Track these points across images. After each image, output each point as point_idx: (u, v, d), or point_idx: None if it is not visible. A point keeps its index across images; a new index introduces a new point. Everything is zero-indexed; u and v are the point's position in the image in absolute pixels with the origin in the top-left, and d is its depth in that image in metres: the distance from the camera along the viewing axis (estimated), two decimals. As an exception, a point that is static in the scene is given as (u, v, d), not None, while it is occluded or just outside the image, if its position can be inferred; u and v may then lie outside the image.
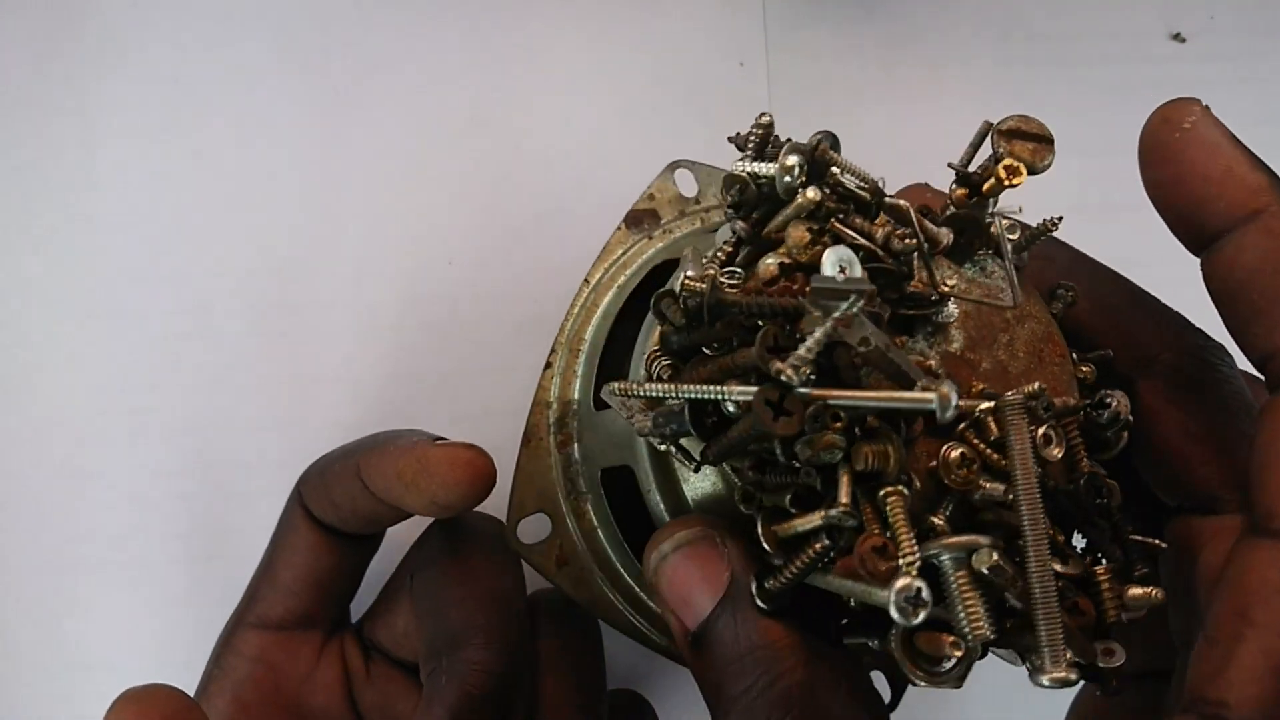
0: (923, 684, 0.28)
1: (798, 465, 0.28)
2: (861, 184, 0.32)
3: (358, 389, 0.56)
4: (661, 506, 0.38)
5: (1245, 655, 0.27)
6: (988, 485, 0.29)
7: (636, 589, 0.42)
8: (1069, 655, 0.27)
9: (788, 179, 0.31)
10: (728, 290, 0.30)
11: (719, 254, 0.32)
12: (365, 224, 0.57)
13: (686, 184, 0.47)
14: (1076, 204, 0.59)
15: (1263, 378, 0.29)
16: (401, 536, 0.46)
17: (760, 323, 0.29)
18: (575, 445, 0.42)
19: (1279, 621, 0.27)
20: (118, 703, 0.34)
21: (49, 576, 0.53)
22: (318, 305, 0.56)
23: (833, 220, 0.30)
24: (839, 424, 0.27)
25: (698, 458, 0.31)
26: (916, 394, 0.27)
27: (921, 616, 0.26)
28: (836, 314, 0.26)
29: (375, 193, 0.58)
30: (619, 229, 0.45)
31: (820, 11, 0.63)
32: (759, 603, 0.31)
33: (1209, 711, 0.27)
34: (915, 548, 0.27)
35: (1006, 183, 0.33)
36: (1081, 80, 0.63)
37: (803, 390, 0.27)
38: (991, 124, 0.34)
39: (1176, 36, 0.64)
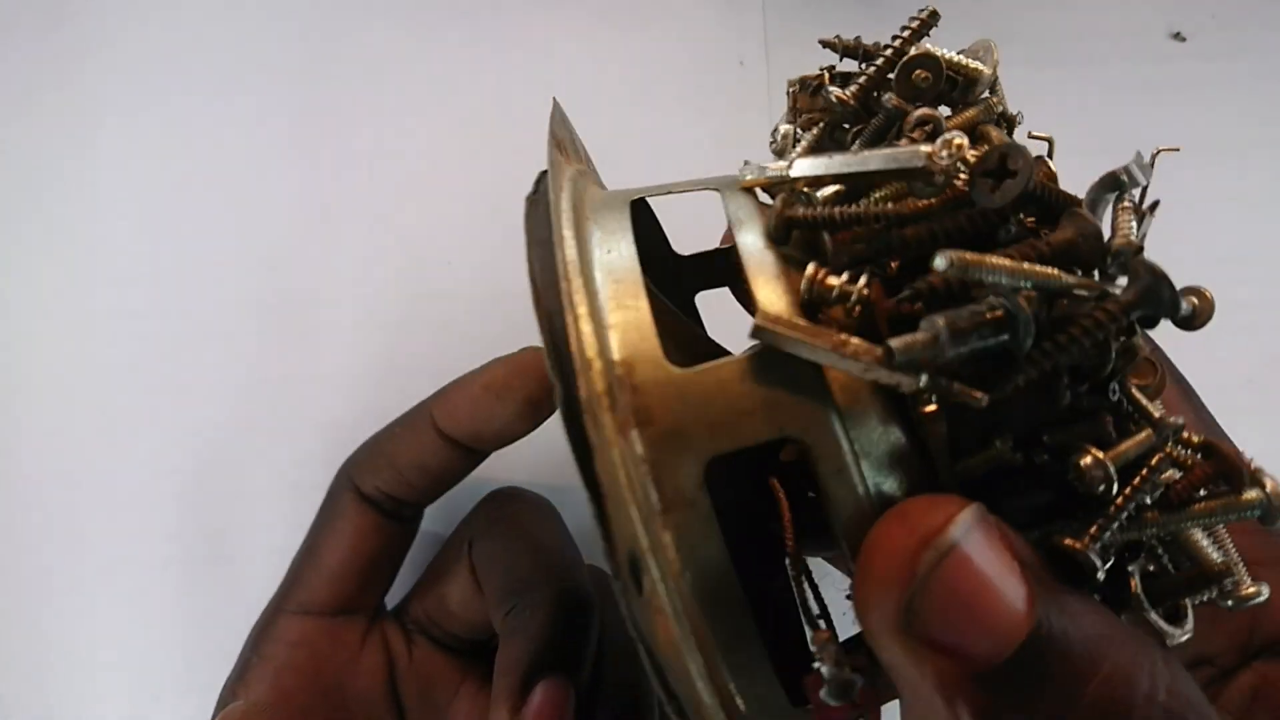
0: (1171, 639, 0.25)
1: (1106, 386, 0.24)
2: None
3: (357, 389, 0.55)
4: (866, 489, 0.24)
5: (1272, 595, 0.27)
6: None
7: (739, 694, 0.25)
8: None
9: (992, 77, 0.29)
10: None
11: (945, 145, 0.25)
12: (365, 224, 0.57)
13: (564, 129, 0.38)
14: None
15: None
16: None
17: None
18: (640, 431, 0.24)
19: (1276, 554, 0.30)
20: None
21: (47, 577, 0.53)
22: (317, 305, 0.56)
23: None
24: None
25: (1014, 379, 0.22)
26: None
27: None
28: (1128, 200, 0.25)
29: (375, 193, 0.57)
30: (552, 148, 0.33)
31: (820, 10, 0.63)
32: (1095, 566, 0.23)
33: (1275, 651, 0.29)
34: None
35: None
36: (1081, 80, 0.63)
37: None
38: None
39: (1177, 36, 0.64)
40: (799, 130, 0.32)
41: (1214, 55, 0.63)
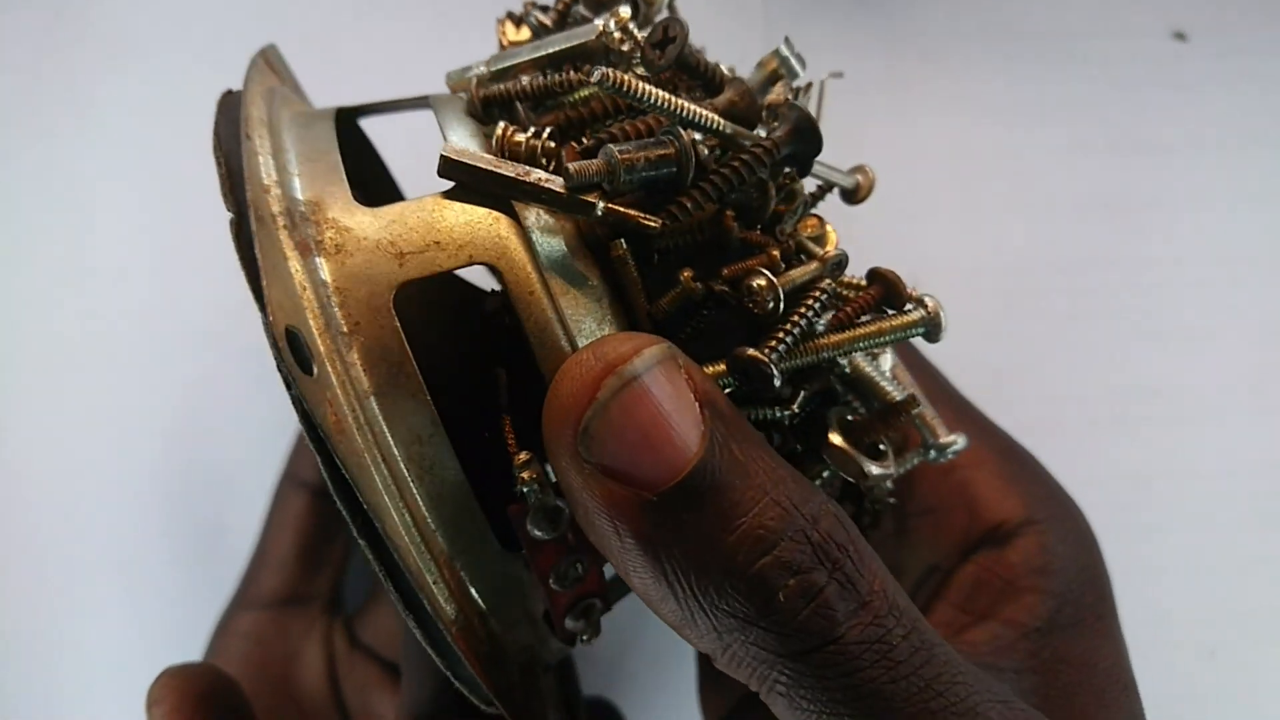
0: (874, 481, 0.27)
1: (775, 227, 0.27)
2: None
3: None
4: (548, 319, 0.25)
5: (980, 488, 0.34)
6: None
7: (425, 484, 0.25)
8: None
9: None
10: None
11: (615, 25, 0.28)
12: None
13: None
14: (1079, 203, 0.59)
15: None
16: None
17: None
18: (328, 258, 0.25)
19: (977, 453, 0.35)
20: (160, 678, 0.34)
21: (44, 576, 0.53)
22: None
23: None
24: None
25: (682, 209, 0.25)
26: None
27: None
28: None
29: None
30: (255, 65, 0.32)
31: (820, 10, 0.63)
32: (774, 375, 0.24)
33: (992, 539, 0.33)
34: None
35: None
36: (1082, 79, 0.63)
37: None
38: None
39: (1178, 35, 0.63)
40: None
41: (1215, 54, 0.63)
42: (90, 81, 0.57)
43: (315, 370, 0.24)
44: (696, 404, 0.22)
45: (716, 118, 0.25)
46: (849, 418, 0.28)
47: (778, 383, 0.24)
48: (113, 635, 0.52)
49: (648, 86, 0.24)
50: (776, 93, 0.27)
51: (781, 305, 0.25)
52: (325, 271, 0.25)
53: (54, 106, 0.57)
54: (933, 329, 0.26)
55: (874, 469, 0.27)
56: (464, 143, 0.27)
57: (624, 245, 0.25)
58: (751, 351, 0.24)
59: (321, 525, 0.45)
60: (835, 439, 0.27)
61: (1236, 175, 0.59)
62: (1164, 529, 0.54)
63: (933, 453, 0.30)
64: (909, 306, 0.27)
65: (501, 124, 0.26)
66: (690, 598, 0.22)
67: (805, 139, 0.25)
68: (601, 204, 0.24)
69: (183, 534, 0.54)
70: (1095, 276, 0.57)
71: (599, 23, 0.26)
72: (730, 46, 0.64)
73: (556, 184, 0.24)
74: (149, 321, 0.55)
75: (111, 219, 0.56)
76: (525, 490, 0.25)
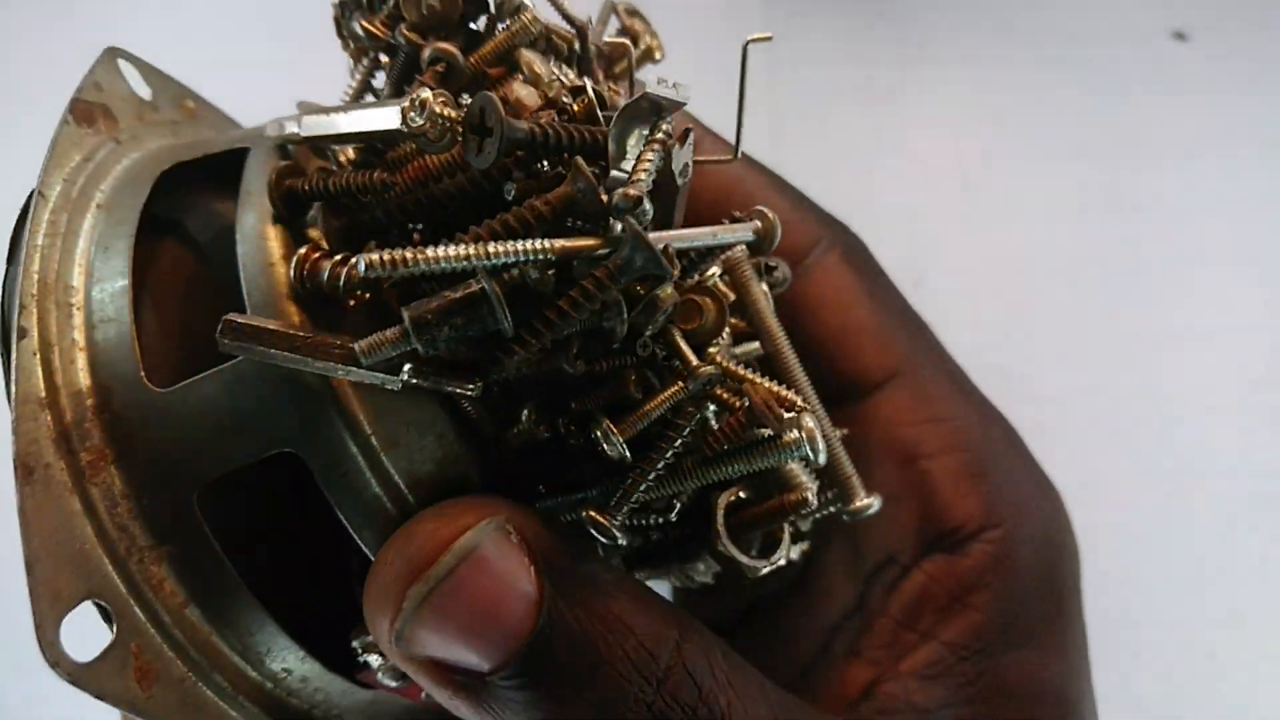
0: (758, 572, 0.25)
1: (634, 344, 0.22)
2: (567, 22, 0.27)
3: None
4: (360, 504, 0.23)
5: (937, 483, 0.32)
6: (739, 349, 0.27)
7: (280, 682, 0.25)
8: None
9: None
10: (521, 121, 0.21)
11: (428, 86, 0.23)
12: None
13: (137, 85, 0.33)
14: (1080, 202, 0.59)
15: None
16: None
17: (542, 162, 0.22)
18: (117, 466, 0.23)
19: (940, 443, 0.32)
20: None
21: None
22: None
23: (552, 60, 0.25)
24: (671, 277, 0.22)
25: (503, 364, 0.21)
26: (744, 226, 0.24)
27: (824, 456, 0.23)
28: (657, 129, 0.22)
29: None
30: (66, 123, 0.29)
31: (819, 9, 0.63)
32: (615, 536, 0.22)
33: (947, 543, 0.31)
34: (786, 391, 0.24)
35: (657, 57, 0.32)
36: (1082, 80, 0.62)
37: (654, 235, 0.21)
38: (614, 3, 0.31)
39: (1178, 36, 0.63)
40: (351, 61, 0.29)
41: (1214, 55, 0.62)
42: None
43: (115, 628, 0.23)
44: (530, 570, 0.21)
45: (536, 246, 0.20)
46: (740, 496, 0.26)
47: (623, 542, 0.23)
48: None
49: (435, 253, 0.20)
50: (638, 170, 0.22)
51: (626, 454, 0.22)
52: (118, 483, 0.23)
53: (54, 106, 0.57)
54: (812, 453, 0.23)
55: (763, 567, 0.25)
56: (258, 237, 0.23)
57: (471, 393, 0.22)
58: (593, 514, 0.22)
59: None
60: (720, 545, 0.25)
61: (1237, 175, 0.59)
62: (1164, 529, 0.53)
63: (844, 515, 0.28)
64: (788, 430, 0.23)
65: (303, 249, 0.22)
66: None
67: (636, 270, 0.20)
68: (404, 377, 0.21)
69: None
70: (1095, 276, 0.57)
71: (401, 106, 0.21)
72: (730, 46, 0.64)
73: (341, 357, 0.21)
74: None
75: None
76: (373, 660, 0.25)
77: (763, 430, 0.23)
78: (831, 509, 0.28)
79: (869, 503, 0.28)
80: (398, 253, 0.20)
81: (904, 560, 0.32)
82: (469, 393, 0.21)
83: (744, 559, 0.25)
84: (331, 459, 0.22)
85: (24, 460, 0.23)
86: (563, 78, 0.24)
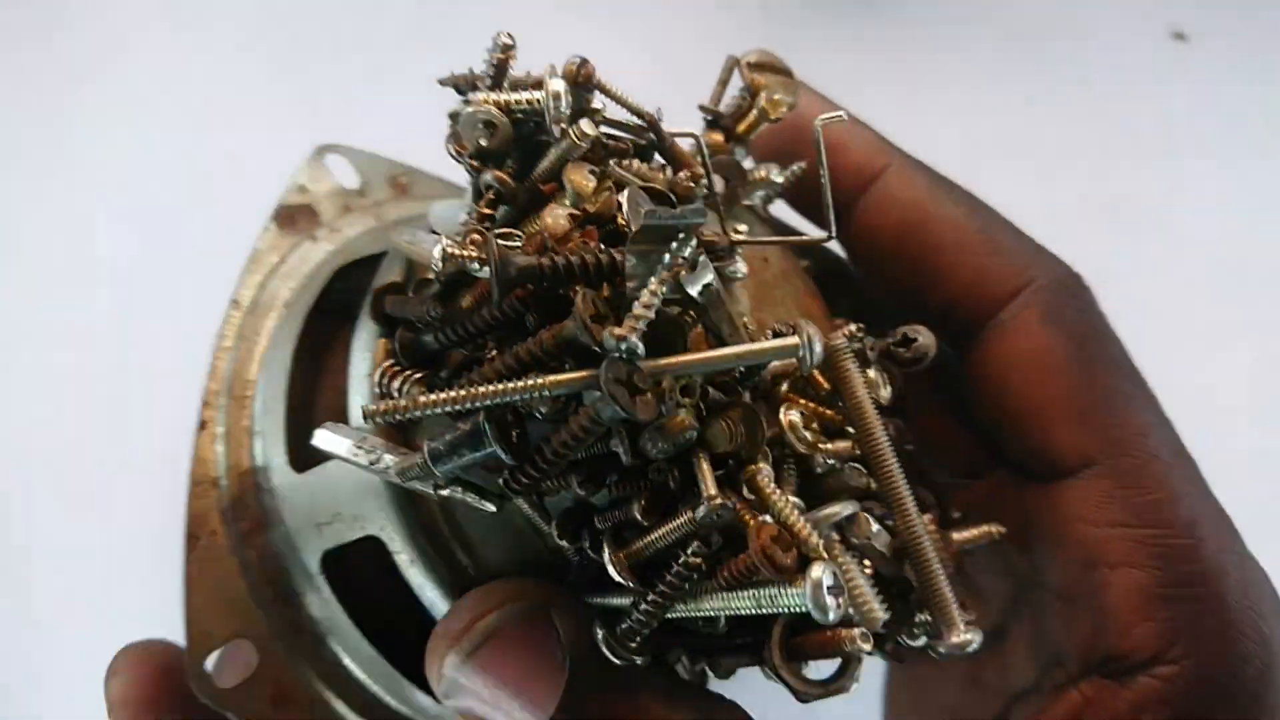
0: (813, 699, 0.23)
1: (647, 462, 0.22)
2: (635, 116, 0.27)
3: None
4: (430, 581, 0.27)
5: (1114, 600, 0.28)
6: (830, 446, 0.25)
7: (393, 704, 0.30)
8: (967, 615, 0.24)
9: (560, 106, 0.24)
10: (521, 255, 0.22)
11: (473, 217, 0.25)
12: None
13: (346, 174, 0.38)
14: (1080, 202, 0.59)
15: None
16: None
17: (564, 290, 0.22)
18: (271, 531, 0.29)
19: (1127, 552, 0.28)
20: (120, 653, 0.32)
21: (45, 577, 0.53)
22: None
23: (611, 163, 0.25)
24: (690, 399, 0.22)
25: (504, 487, 0.23)
26: (779, 342, 0.22)
27: (842, 609, 0.21)
28: (673, 256, 0.21)
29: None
30: (267, 229, 0.35)
31: (819, 10, 0.63)
32: (619, 657, 0.23)
33: (1112, 669, 0.28)
34: (809, 528, 0.22)
35: (773, 116, 0.30)
36: (1082, 80, 0.62)
37: (648, 363, 0.21)
38: (737, 59, 0.31)
39: (1177, 36, 0.63)
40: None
41: (1215, 55, 0.62)
42: (90, 84, 0.57)
43: (256, 660, 0.28)
44: (555, 652, 0.24)
45: (530, 384, 0.21)
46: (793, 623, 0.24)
47: (640, 661, 0.24)
48: (110, 637, 0.52)
49: (429, 399, 0.22)
50: (637, 309, 0.22)
51: (627, 581, 0.23)
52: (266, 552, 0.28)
53: (55, 108, 0.57)
54: (816, 610, 0.21)
55: (816, 696, 0.24)
56: (363, 348, 0.28)
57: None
58: (604, 636, 0.24)
59: None
60: (774, 665, 0.23)
61: (1237, 175, 0.59)
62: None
63: (934, 651, 0.25)
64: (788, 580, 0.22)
65: (385, 363, 0.25)
66: None
67: (613, 411, 0.21)
68: (436, 491, 0.24)
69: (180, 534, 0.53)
70: (1094, 276, 0.57)
71: (435, 250, 0.23)
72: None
73: (388, 471, 0.24)
74: (148, 322, 0.55)
75: (112, 220, 0.56)
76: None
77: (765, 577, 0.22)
78: (919, 641, 0.25)
79: (967, 639, 0.24)
80: (395, 401, 0.23)
81: (1070, 669, 0.30)
82: (488, 509, 0.23)
83: (797, 685, 0.23)
84: (406, 548, 0.26)
85: (192, 529, 0.29)
86: (627, 176, 0.25)
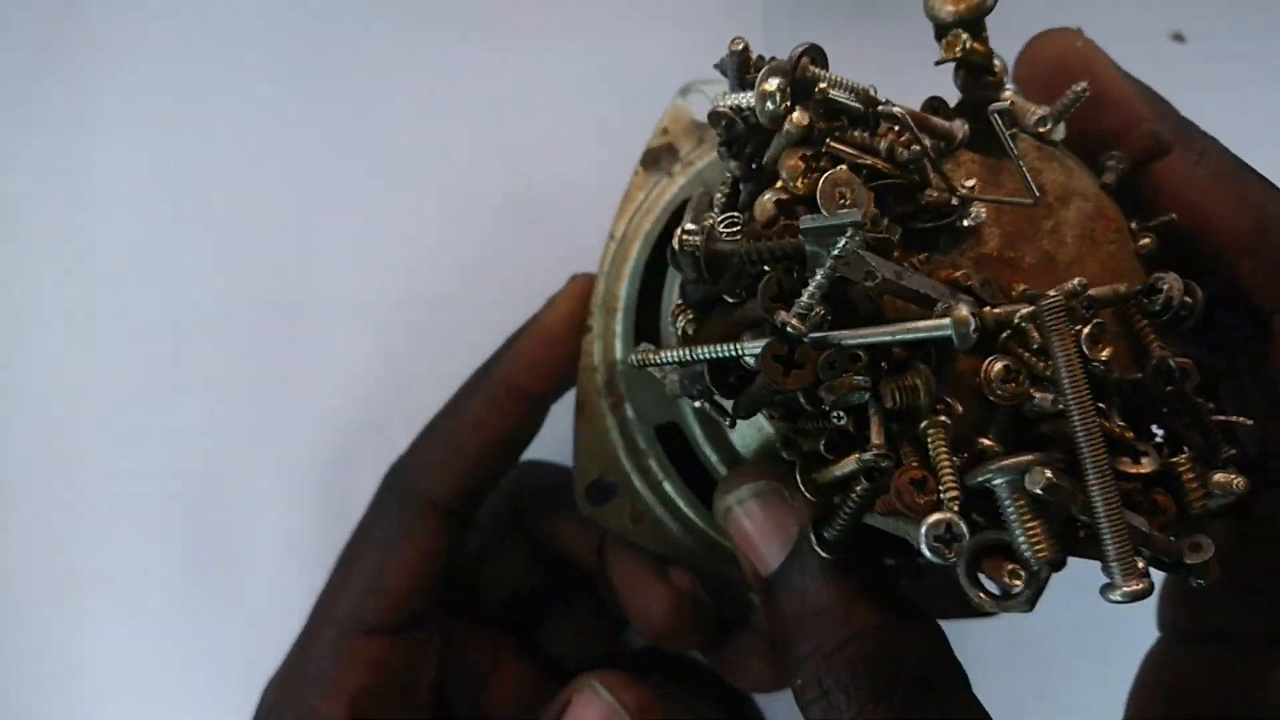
0: (993, 611, 0.27)
1: (826, 410, 0.27)
2: (853, 96, 0.29)
3: (357, 389, 0.55)
4: (714, 459, 0.39)
5: None
6: (1038, 396, 0.26)
7: (711, 532, 0.42)
8: (1140, 566, 0.25)
9: (769, 105, 0.28)
10: (724, 239, 0.28)
11: (719, 198, 0.31)
12: (364, 225, 0.57)
13: (702, 108, 0.43)
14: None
15: None
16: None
17: (765, 269, 0.27)
18: (627, 405, 0.41)
19: None
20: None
21: (46, 579, 0.53)
22: (316, 306, 0.56)
23: (828, 141, 0.28)
24: (860, 364, 0.26)
25: (730, 413, 0.30)
26: (930, 323, 0.25)
27: (956, 555, 0.24)
28: (834, 252, 0.25)
29: (374, 194, 0.57)
30: (637, 172, 0.43)
31: (820, 11, 0.63)
32: (821, 552, 0.29)
33: None
34: (955, 480, 0.25)
35: (971, 43, 0.31)
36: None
37: (815, 335, 0.26)
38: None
39: (1177, 36, 0.63)
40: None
41: (1214, 55, 0.62)
42: (96, 84, 0.57)
43: (619, 489, 0.42)
44: (793, 529, 0.30)
45: (723, 350, 0.28)
46: (992, 540, 0.27)
47: (827, 557, 0.30)
48: (110, 637, 0.52)
49: (670, 354, 0.30)
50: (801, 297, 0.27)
51: (808, 496, 0.29)
52: (626, 418, 0.42)
53: (57, 110, 0.57)
54: (929, 552, 0.25)
55: (989, 609, 0.27)
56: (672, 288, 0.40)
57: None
58: (815, 532, 0.30)
59: (453, 553, 0.43)
60: (958, 576, 0.27)
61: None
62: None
63: (1111, 596, 0.26)
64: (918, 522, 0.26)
65: (674, 304, 0.32)
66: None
67: (767, 386, 0.27)
68: (695, 403, 0.32)
69: (187, 538, 0.54)
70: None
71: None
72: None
73: (669, 387, 0.33)
74: (149, 322, 0.55)
75: (117, 220, 0.56)
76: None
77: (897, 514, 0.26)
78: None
79: (1135, 589, 0.25)
80: (643, 351, 0.30)
81: None
82: (723, 420, 0.31)
83: (972, 594, 0.26)
84: (690, 430, 0.40)
85: (580, 401, 0.42)
86: (845, 150, 0.28)
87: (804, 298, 0.25)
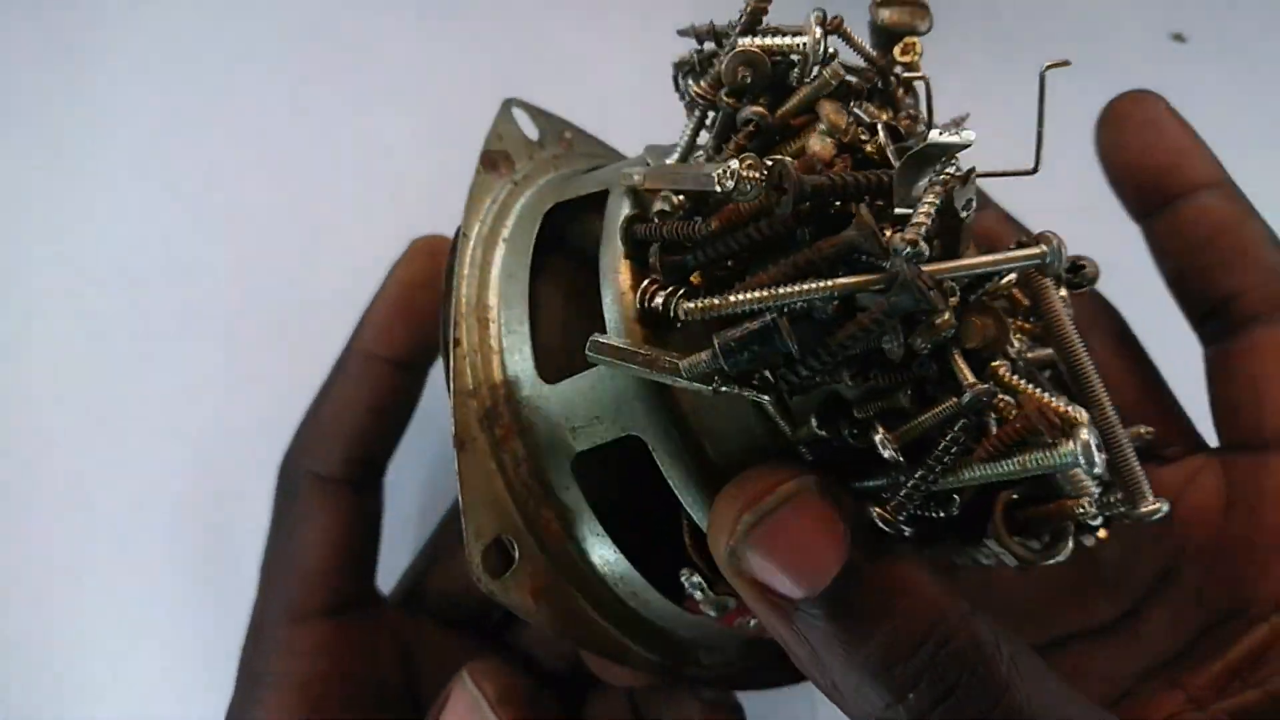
0: (1035, 562, 0.27)
1: (909, 358, 0.25)
2: (869, 63, 0.30)
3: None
4: (685, 475, 0.30)
5: None
6: (1035, 353, 0.29)
7: (629, 604, 0.34)
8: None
9: (817, 50, 0.28)
10: (807, 177, 0.25)
11: (731, 148, 0.29)
12: (362, 225, 0.57)
13: (527, 126, 0.41)
14: (1079, 202, 0.59)
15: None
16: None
17: (837, 204, 0.26)
18: (520, 439, 0.32)
19: None
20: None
21: (46, 578, 0.53)
22: (315, 305, 0.56)
23: (853, 102, 0.28)
24: (953, 298, 0.25)
25: (779, 382, 0.26)
26: (1028, 250, 0.26)
27: (1103, 466, 0.25)
28: (943, 174, 0.25)
29: (374, 195, 0.57)
30: (479, 172, 0.38)
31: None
32: (892, 528, 0.26)
33: None
34: (1065, 403, 0.25)
35: (902, 58, 0.32)
36: (1082, 80, 0.63)
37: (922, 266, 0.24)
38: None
39: (1177, 36, 0.64)
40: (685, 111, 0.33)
41: (1214, 55, 0.62)
42: (89, 83, 0.57)
43: (517, 555, 0.32)
44: (836, 524, 0.26)
45: (819, 286, 0.24)
46: (1018, 496, 0.28)
47: (907, 533, 0.26)
48: (109, 637, 0.52)
49: (736, 298, 0.25)
50: (917, 216, 0.26)
51: (900, 458, 0.26)
52: (520, 450, 0.32)
53: (61, 110, 0.57)
54: (1086, 464, 0.24)
55: (1036, 560, 0.27)
56: (613, 271, 0.30)
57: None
58: (878, 512, 0.26)
59: (363, 524, 0.42)
60: (996, 537, 0.27)
61: (1236, 176, 0.59)
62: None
63: (1128, 519, 0.28)
64: (1058, 440, 0.26)
65: (645, 282, 0.28)
66: (829, 683, 0.27)
67: (906, 309, 0.23)
68: (714, 387, 0.26)
69: (186, 536, 0.54)
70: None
71: (716, 172, 0.26)
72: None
73: (674, 370, 0.26)
74: (150, 322, 0.55)
75: (119, 220, 0.56)
76: (696, 594, 0.32)
77: (1038, 438, 0.25)
78: (1119, 510, 0.28)
79: (1156, 507, 0.28)
80: (706, 300, 0.26)
81: (1255, 611, 0.32)
82: (764, 401, 0.26)
83: (1019, 552, 0.27)
84: (664, 442, 0.29)
85: (460, 435, 0.32)
86: (862, 114, 0.28)
87: (918, 218, 0.24)
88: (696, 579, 0.32)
